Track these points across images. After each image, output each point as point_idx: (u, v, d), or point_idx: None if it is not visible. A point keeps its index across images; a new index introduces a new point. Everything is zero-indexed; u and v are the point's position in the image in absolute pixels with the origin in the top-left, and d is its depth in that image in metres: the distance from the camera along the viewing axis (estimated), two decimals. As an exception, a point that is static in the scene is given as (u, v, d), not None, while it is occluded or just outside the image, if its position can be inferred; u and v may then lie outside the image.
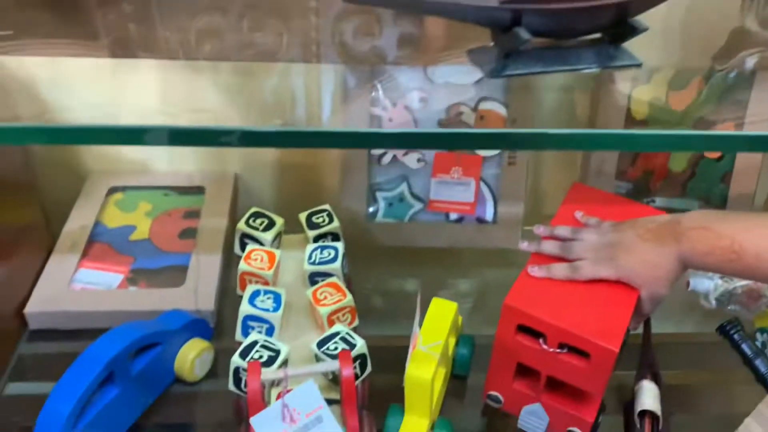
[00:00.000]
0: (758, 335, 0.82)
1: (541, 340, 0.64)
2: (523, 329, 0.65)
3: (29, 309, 0.79)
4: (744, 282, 0.88)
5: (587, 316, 0.63)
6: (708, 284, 0.89)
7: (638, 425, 0.69)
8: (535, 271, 0.68)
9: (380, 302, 0.90)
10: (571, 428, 0.68)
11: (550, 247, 0.70)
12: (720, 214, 0.67)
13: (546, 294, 0.66)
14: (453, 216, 0.92)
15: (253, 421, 0.61)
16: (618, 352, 0.61)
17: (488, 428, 0.75)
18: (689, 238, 0.63)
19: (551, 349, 0.64)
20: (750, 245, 0.61)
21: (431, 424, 0.68)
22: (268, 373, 0.63)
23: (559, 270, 0.67)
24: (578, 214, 0.74)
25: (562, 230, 0.71)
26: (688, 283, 0.90)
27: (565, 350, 0.63)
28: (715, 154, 0.94)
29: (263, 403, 0.62)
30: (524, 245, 0.71)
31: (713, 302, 0.87)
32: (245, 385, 0.63)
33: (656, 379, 0.72)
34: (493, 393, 0.71)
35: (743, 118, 0.89)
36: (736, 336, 0.71)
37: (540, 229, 0.73)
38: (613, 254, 0.66)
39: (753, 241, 0.61)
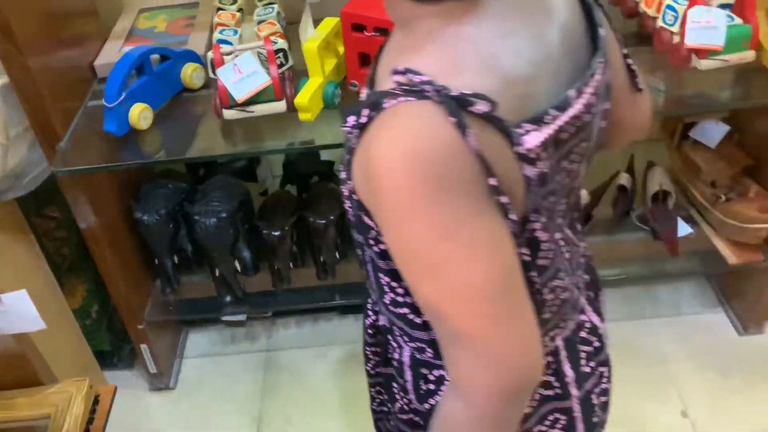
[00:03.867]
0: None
1: (365, 31, 1.09)
2: (355, 28, 1.09)
3: (97, 62, 1.32)
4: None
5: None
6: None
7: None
8: None
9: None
10: None
11: None
12: None
13: (370, 3, 1.09)
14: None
15: (218, 72, 1.12)
16: None
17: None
18: None
19: (370, 34, 1.08)
20: None
21: (324, 82, 1.16)
22: (224, 48, 1.14)
23: None
24: None
25: None
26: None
27: (377, 33, 1.07)
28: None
29: (223, 63, 1.13)
30: None
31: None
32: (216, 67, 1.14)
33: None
34: (352, 81, 1.16)
35: None
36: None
37: None
38: None
39: None
